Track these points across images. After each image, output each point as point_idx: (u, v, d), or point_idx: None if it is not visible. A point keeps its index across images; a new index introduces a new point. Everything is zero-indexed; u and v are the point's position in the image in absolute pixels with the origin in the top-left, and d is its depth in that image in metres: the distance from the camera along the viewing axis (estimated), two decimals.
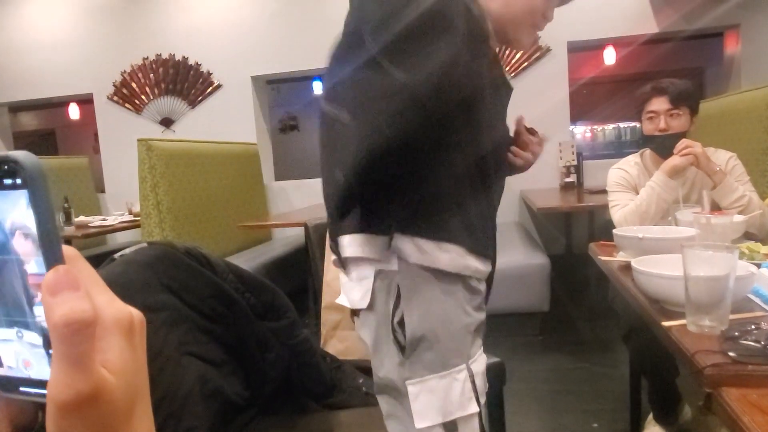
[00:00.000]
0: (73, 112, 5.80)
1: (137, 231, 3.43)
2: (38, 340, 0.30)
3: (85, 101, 5.21)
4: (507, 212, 4.36)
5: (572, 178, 4.16)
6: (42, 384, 0.29)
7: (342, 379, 1.43)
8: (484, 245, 0.93)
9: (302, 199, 4.57)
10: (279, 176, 5.15)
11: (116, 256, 1.09)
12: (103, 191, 5.02)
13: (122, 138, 4.79)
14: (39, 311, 0.29)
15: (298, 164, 6.43)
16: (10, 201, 0.29)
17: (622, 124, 8.23)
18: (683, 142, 1.77)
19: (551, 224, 4.44)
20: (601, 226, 3.59)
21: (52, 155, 6.31)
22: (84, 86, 4.97)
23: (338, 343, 1.74)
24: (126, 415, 0.29)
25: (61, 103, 5.61)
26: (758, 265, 1.10)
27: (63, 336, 0.27)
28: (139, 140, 3.05)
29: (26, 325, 0.30)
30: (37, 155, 0.30)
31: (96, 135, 5.07)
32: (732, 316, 0.93)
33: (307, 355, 1.38)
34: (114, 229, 3.80)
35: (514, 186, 4.18)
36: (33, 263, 0.29)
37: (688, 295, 0.88)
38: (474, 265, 0.91)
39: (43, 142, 8.50)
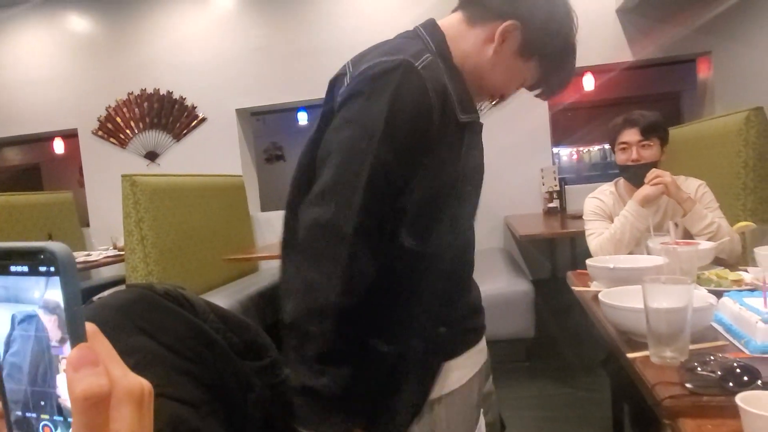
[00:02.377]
0: (58, 146, 5.81)
1: (122, 265, 3.42)
2: (56, 409, 0.34)
3: (70, 136, 5.23)
4: (491, 238, 4.40)
5: (555, 204, 4.22)
6: None
7: None
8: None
9: None
10: (265, 207, 5.17)
11: (94, 299, 1.10)
12: (87, 225, 5.00)
13: (107, 172, 4.81)
14: (60, 381, 0.34)
15: (284, 194, 6.44)
16: (44, 285, 0.33)
17: (606, 146, 8.38)
18: (653, 172, 1.82)
19: (536, 249, 4.48)
20: (584, 251, 3.62)
21: (36, 189, 6.28)
22: (68, 121, 5.00)
23: None
24: None
25: (46, 138, 5.63)
26: (720, 294, 1.13)
27: (82, 408, 0.31)
28: (123, 176, 3.06)
29: (48, 395, 0.34)
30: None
31: (81, 168, 5.07)
32: (694, 346, 0.96)
33: (289, 394, 1.38)
34: (98, 264, 3.78)
35: (497, 212, 4.24)
36: (58, 340, 0.34)
37: (649, 328, 0.91)
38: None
39: (28, 176, 8.46)
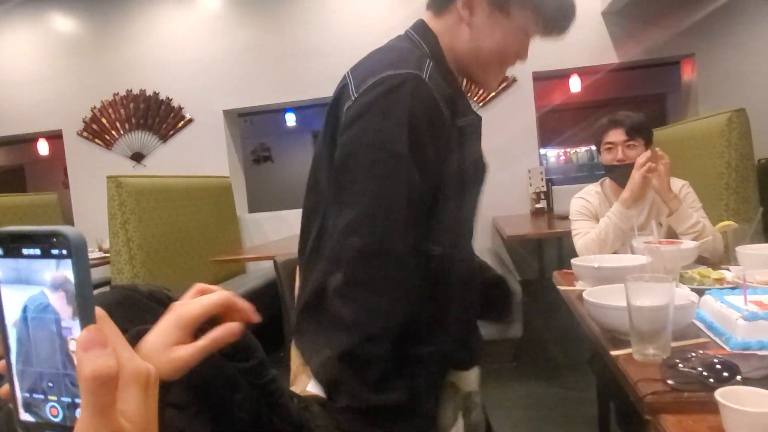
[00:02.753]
0: (43, 147, 5.75)
1: (107, 268, 3.39)
2: (66, 389, 0.35)
3: (55, 137, 5.17)
4: (479, 239, 4.42)
5: (542, 204, 4.25)
6: (65, 430, 0.34)
7: (310, 419, 1.43)
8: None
9: (277, 230, 4.57)
10: (253, 208, 5.15)
11: None
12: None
13: (92, 173, 4.76)
14: (69, 363, 0.35)
15: (272, 195, 6.43)
16: (56, 267, 0.34)
17: (593, 147, 8.44)
18: (643, 156, 1.82)
19: (523, 249, 4.51)
20: (571, 251, 3.64)
21: (20, 191, 6.20)
22: (53, 122, 4.94)
23: (308, 378, 1.74)
24: None
25: (30, 139, 5.56)
26: (703, 293, 1.15)
27: (91, 388, 0.32)
28: (108, 177, 3.03)
29: (57, 377, 0.35)
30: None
31: (65, 170, 5.02)
32: (676, 343, 0.97)
33: (276, 395, 1.38)
34: None
35: (485, 213, 4.26)
36: (68, 320, 0.35)
37: (632, 325, 0.92)
38: None
39: (12, 177, 8.36)
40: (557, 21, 1.03)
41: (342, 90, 0.96)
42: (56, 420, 0.35)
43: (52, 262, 0.34)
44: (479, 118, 1.04)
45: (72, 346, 0.34)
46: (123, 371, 0.33)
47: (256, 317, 0.64)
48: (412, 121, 0.85)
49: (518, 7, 0.98)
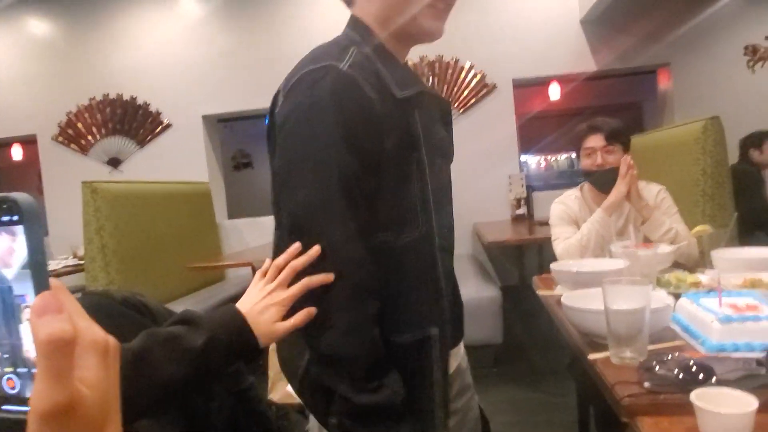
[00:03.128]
0: (16, 152, 5.62)
1: (82, 275, 3.32)
2: (23, 360, 0.34)
3: (29, 141, 5.06)
4: (460, 245, 4.41)
5: (522, 210, 4.28)
6: (24, 402, 0.34)
7: (288, 428, 1.41)
8: None
9: (257, 237, 4.53)
10: (233, 214, 5.10)
11: None
12: (46, 234, 4.85)
13: (67, 179, 4.67)
14: (23, 332, 0.34)
15: (252, 201, 6.38)
16: (7, 234, 0.33)
17: (573, 154, 8.54)
18: (626, 159, 1.85)
19: (504, 255, 4.53)
20: (551, 257, 3.68)
21: None
22: (27, 127, 4.85)
23: (286, 385, 1.72)
24: (99, 427, 0.33)
25: (4, 144, 5.44)
26: (679, 296, 1.16)
27: (46, 352, 0.31)
28: (83, 183, 2.98)
29: (12, 347, 0.34)
30: None
31: (40, 175, 4.92)
32: (653, 346, 0.97)
33: (253, 403, 1.35)
34: (57, 274, 3.66)
35: (466, 219, 4.27)
36: (21, 288, 0.34)
37: (609, 329, 0.92)
38: None
39: None
40: None
41: (276, 96, 0.98)
42: (13, 392, 0.34)
43: (2, 229, 0.33)
44: (437, 96, 1.03)
45: (27, 314, 0.33)
46: (80, 338, 0.32)
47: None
48: (338, 111, 0.85)
49: None
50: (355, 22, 1.00)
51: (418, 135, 0.93)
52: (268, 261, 0.94)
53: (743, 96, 4.48)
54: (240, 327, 0.85)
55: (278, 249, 0.94)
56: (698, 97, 4.51)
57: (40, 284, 0.33)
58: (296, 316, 0.85)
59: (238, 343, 0.84)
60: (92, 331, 0.34)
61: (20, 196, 0.33)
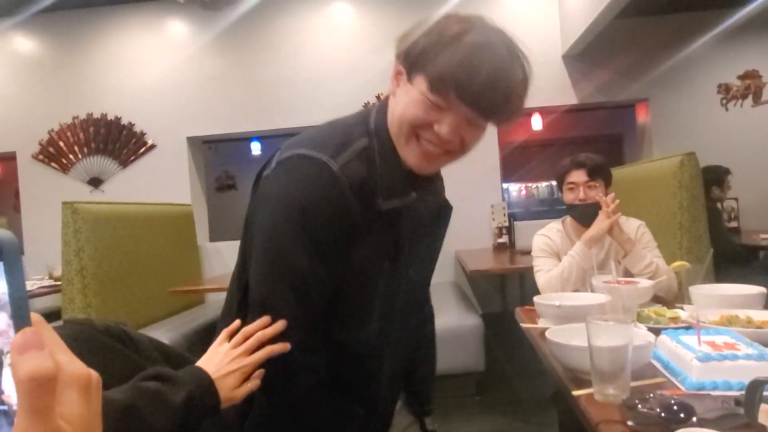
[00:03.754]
0: None
1: (58, 296, 3.25)
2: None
3: (7, 158, 4.99)
4: (442, 272, 4.45)
5: (504, 239, 4.32)
6: None
7: None
8: None
9: None
10: (215, 236, 5.06)
11: None
12: (22, 253, 4.74)
13: (46, 198, 4.60)
14: (5, 377, 0.33)
15: (235, 224, 6.33)
16: None
17: (554, 183, 8.66)
18: (612, 197, 1.89)
19: (486, 283, 4.56)
20: (533, 286, 3.72)
21: None
22: (7, 144, 4.78)
23: None
24: None
25: None
26: (658, 332, 1.18)
27: (27, 390, 0.31)
28: (64, 203, 2.93)
29: None
30: None
31: (17, 192, 4.83)
32: (635, 383, 0.99)
33: None
34: (32, 295, 3.57)
35: (448, 247, 4.29)
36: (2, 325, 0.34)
37: (593, 365, 0.93)
38: None
39: None
40: (455, 93, 0.88)
41: (273, 153, 1.01)
42: None
43: None
44: (425, 199, 1.02)
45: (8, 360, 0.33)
46: (62, 374, 0.33)
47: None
48: (306, 206, 0.89)
49: (416, 72, 0.92)
50: (380, 111, 1.01)
51: (397, 245, 0.97)
52: (237, 322, 0.99)
53: (716, 132, 4.63)
54: (207, 388, 0.89)
55: (239, 296, 1.05)
56: (675, 131, 4.65)
57: (22, 321, 0.33)
58: (252, 382, 0.94)
59: (208, 403, 0.89)
60: (73, 366, 0.34)
61: (1, 233, 0.33)
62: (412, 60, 0.92)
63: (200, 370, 0.92)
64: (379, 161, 0.94)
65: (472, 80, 0.86)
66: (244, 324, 0.97)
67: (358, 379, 1.03)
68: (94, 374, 0.35)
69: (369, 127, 0.98)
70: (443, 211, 1.11)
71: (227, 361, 0.93)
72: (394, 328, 1.03)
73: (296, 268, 0.90)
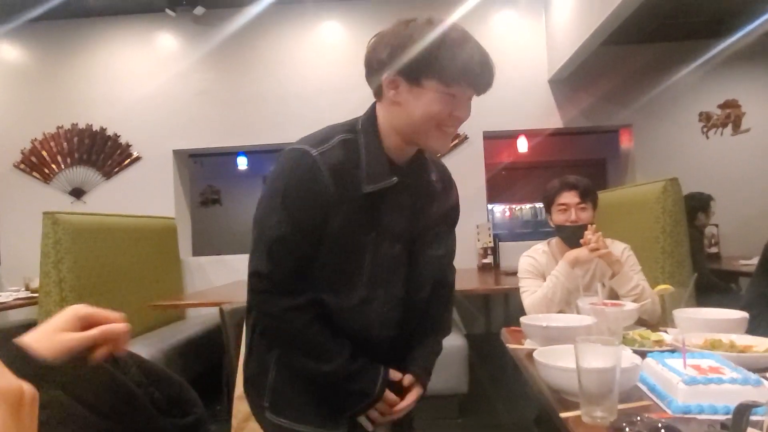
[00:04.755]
0: None
1: (34, 308, 3.17)
2: None
3: None
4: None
5: (489, 260, 4.33)
6: None
7: None
8: None
9: (221, 276, 4.43)
10: (198, 251, 5.00)
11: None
12: None
13: (26, 207, 4.52)
14: None
15: (218, 239, 6.28)
16: None
17: (538, 204, 8.75)
18: (596, 235, 1.90)
19: (471, 304, 4.55)
20: (517, 307, 3.72)
21: None
22: None
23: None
24: None
25: None
26: (644, 354, 1.19)
27: None
28: (45, 213, 2.88)
29: None
30: None
31: None
32: (622, 406, 0.98)
33: None
34: (7, 307, 3.49)
35: None
36: None
37: (581, 387, 0.93)
38: None
39: None
40: (466, 82, 1.08)
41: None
42: None
43: None
44: (406, 183, 1.17)
45: None
46: None
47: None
48: (288, 188, 1.10)
49: (425, 78, 1.07)
50: (369, 113, 1.19)
51: (380, 222, 1.13)
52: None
53: (697, 159, 4.73)
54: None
55: None
56: (657, 157, 4.73)
57: None
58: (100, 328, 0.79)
59: None
60: (4, 379, 0.32)
61: None
62: (416, 69, 1.07)
63: None
64: (364, 153, 1.13)
65: (473, 68, 1.07)
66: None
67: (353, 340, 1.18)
68: (27, 388, 0.33)
69: (356, 127, 1.17)
70: (421, 191, 1.22)
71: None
72: (378, 295, 1.16)
73: (273, 236, 1.10)
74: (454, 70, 1.06)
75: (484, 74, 1.09)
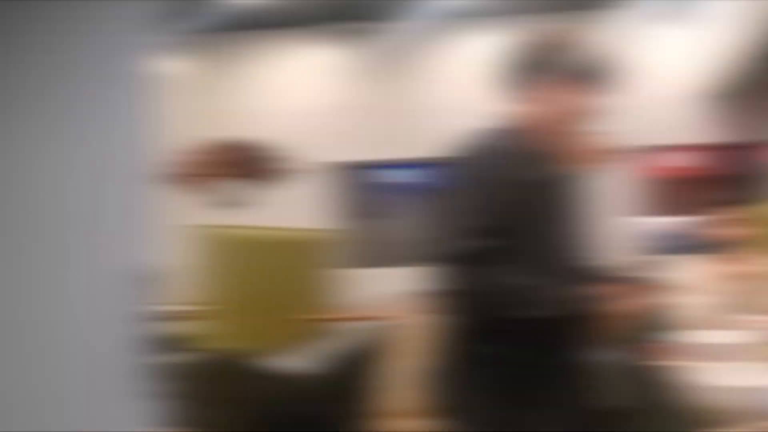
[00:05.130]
0: None
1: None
2: None
3: None
4: None
5: None
6: None
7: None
8: None
9: (381, 287, 4.17)
10: (362, 263, 4.85)
11: None
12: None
13: (184, 219, 4.69)
14: None
15: (378, 251, 6.16)
16: None
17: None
18: None
19: None
20: None
21: None
22: None
23: None
24: None
25: None
26: None
27: None
28: (196, 226, 2.86)
29: None
30: None
31: None
32: None
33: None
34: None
35: None
36: None
37: None
38: None
39: None
40: (589, 79, 1.20)
41: None
42: None
43: None
44: (560, 176, 1.24)
45: None
46: None
47: None
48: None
49: (551, 78, 1.20)
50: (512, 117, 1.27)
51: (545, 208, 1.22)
52: None
53: None
54: None
55: None
56: None
57: None
58: None
59: None
60: None
61: None
62: (549, 72, 1.21)
63: None
64: (521, 151, 1.21)
65: (599, 75, 1.24)
66: None
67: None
68: None
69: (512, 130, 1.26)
70: (565, 180, 1.27)
71: None
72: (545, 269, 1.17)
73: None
74: (580, 71, 1.21)
75: (601, 76, 1.23)
